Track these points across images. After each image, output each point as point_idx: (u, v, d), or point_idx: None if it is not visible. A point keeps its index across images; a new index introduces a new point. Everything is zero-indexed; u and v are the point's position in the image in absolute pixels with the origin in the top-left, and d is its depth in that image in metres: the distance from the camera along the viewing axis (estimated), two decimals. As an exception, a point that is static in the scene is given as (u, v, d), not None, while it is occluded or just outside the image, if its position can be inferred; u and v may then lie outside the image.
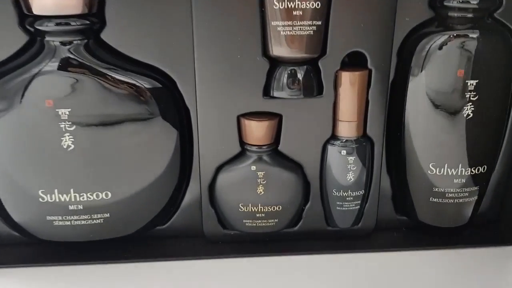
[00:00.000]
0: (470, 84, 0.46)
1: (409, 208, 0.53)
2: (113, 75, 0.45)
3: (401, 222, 0.55)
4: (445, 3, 0.46)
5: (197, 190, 0.51)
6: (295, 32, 0.45)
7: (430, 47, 0.47)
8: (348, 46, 0.47)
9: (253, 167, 0.49)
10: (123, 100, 0.46)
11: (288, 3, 0.44)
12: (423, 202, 0.52)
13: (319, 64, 0.47)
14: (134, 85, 0.46)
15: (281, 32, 0.45)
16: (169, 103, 0.48)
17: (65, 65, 0.44)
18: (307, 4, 0.44)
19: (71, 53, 0.44)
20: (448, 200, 0.51)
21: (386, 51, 0.48)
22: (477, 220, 0.53)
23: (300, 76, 0.47)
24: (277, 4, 0.44)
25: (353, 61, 0.49)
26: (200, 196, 0.51)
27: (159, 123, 0.47)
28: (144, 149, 0.48)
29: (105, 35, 0.45)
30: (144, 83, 0.47)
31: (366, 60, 0.48)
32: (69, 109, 0.44)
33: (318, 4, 0.44)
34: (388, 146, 0.52)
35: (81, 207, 0.48)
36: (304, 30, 0.45)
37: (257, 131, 0.49)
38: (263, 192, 0.50)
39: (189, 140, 0.50)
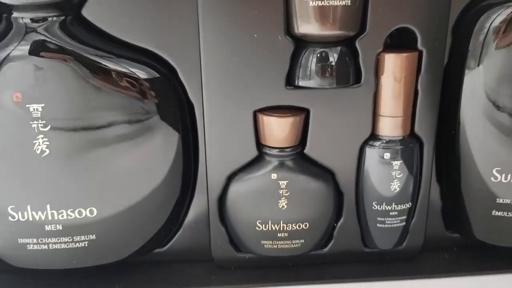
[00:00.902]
0: None
1: (463, 224, 0.45)
2: (98, 62, 0.38)
3: (452, 240, 0.48)
4: None
5: (204, 204, 0.45)
6: (327, 3, 0.36)
7: (492, 23, 0.39)
8: (393, 22, 0.39)
9: (274, 175, 0.41)
10: (111, 93, 0.39)
11: (319, -35, 0.35)
12: (482, 217, 0.44)
13: (357, 44, 0.39)
14: (125, 74, 0.39)
15: (310, 3, 0.36)
16: (168, 97, 0.41)
17: (37, 48, 0.37)
18: (343, -34, 0.35)
19: (45, 33, 0.38)
20: None
21: (441, 28, 0.39)
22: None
23: (332, 59, 0.39)
24: (305, -33, 0.35)
25: (399, 42, 0.41)
26: (207, 212, 0.44)
27: (156, 124, 0.41)
28: (138, 155, 0.41)
29: (87, 12, 0.39)
30: (138, 72, 0.39)
31: (415, 40, 0.39)
32: (42, 105, 0.38)
33: (356, -33, 0.35)
34: (439, 147, 0.44)
35: (60, 227, 0.42)
36: (338, 0, 0.36)
37: (278, 130, 0.40)
38: (286, 206, 0.42)
39: (194, 143, 0.43)
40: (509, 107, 0.39)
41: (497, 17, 0.38)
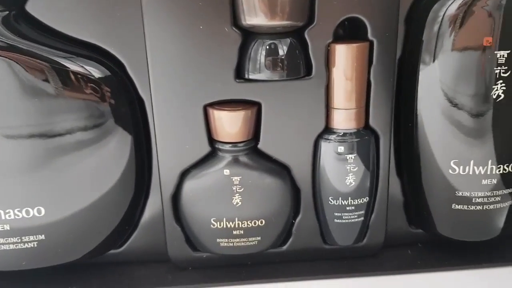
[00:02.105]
0: (500, 56, 0.37)
1: (425, 219, 0.44)
2: (45, 58, 0.37)
3: (416, 236, 0.47)
4: None
5: (159, 203, 0.43)
6: None
7: (446, 10, 0.37)
8: (341, 12, 0.38)
9: (227, 171, 0.40)
10: (60, 92, 0.38)
11: (262, -46, 0.34)
12: (443, 211, 0.43)
13: (306, 35, 0.38)
14: (75, 71, 0.38)
15: (254, -7, 0.35)
16: (120, 96, 0.40)
17: (-22, 45, 0.36)
18: (287, -46, 0.34)
19: (-14, 28, 0.36)
20: (476, 207, 0.41)
21: (391, 17, 0.39)
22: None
23: (281, 51, 0.38)
24: (247, -44, 0.34)
25: (350, 32, 0.40)
26: (162, 211, 0.41)
27: (109, 124, 0.39)
28: (91, 156, 0.40)
29: (31, 7, 0.38)
30: (89, 69, 0.38)
31: (366, 30, 0.38)
32: (-16, 103, 0.37)
33: (300, -45, 0.35)
34: (398, 140, 0.43)
35: (8, 227, 0.40)
36: (284, -10, 0.35)
37: (230, 125, 0.39)
38: (240, 203, 0.41)
39: (147, 140, 0.42)
40: (464, 99, 0.38)
41: (452, 4, 0.37)
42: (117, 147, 0.40)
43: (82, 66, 0.38)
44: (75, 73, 0.38)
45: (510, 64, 0.37)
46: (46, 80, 0.37)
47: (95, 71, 0.38)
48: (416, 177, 0.42)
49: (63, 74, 0.37)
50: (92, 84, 0.38)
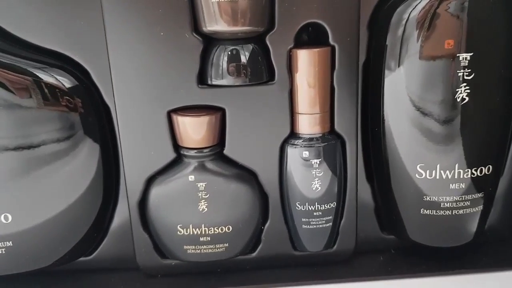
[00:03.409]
0: (463, 58, 0.37)
1: (396, 224, 0.43)
2: (12, 66, 0.37)
3: (388, 242, 0.46)
4: None
5: (126, 210, 0.43)
6: None
7: (409, 15, 0.37)
8: (302, 17, 0.38)
9: (192, 177, 0.40)
10: (28, 102, 0.38)
11: (218, -41, 0.34)
12: (413, 216, 0.42)
13: (267, 41, 0.38)
14: (47, 83, 0.38)
15: (213, -1, 0.35)
16: (88, 104, 0.40)
17: None
18: (244, -39, 0.34)
19: None
20: (444, 212, 0.41)
21: (352, 21, 0.39)
22: (485, 238, 0.45)
23: (243, 57, 0.38)
24: (204, -38, 0.34)
25: (314, 37, 0.40)
26: (129, 218, 0.41)
27: (78, 134, 0.40)
28: (59, 165, 0.40)
29: None
30: (61, 80, 0.39)
31: (327, 35, 0.38)
32: None
33: (257, -39, 0.35)
34: (365, 145, 0.43)
35: None
36: (242, -5, 0.35)
37: (194, 130, 0.39)
38: (206, 209, 0.41)
39: (114, 148, 0.42)
40: (429, 103, 0.38)
41: (414, 8, 0.37)
42: (86, 156, 0.40)
43: (52, 76, 0.38)
44: (46, 84, 0.38)
45: (473, 67, 0.37)
46: (16, 91, 0.37)
47: (65, 81, 0.38)
48: (385, 182, 0.42)
49: (34, 84, 0.37)
50: (62, 94, 0.38)
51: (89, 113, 0.40)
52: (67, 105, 0.38)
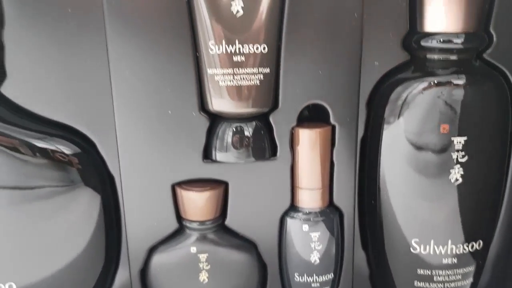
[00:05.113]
0: (457, 142, 0.38)
1: None
2: (21, 139, 0.38)
3: None
4: (422, 43, 0.38)
5: (127, 277, 0.43)
6: (238, 83, 0.37)
7: (405, 98, 0.39)
8: (305, 98, 0.39)
9: (193, 249, 0.41)
10: (34, 168, 0.39)
11: (227, 46, 0.36)
12: (407, 287, 0.42)
13: (271, 119, 0.40)
14: (47, 150, 0.39)
15: (220, 82, 0.36)
16: (89, 172, 0.41)
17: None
18: (251, 47, 0.36)
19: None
20: (437, 285, 0.42)
21: (352, 102, 0.40)
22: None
23: (247, 134, 0.39)
24: (213, 48, 0.36)
25: (314, 113, 0.41)
26: (130, 285, 0.42)
27: (78, 196, 0.40)
28: (58, 226, 0.40)
29: (5, 89, 0.38)
30: (60, 148, 0.39)
31: (328, 114, 0.40)
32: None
33: (264, 48, 0.36)
34: (362, 216, 0.44)
35: None
36: (248, 80, 0.37)
37: (197, 204, 0.40)
38: (207, 280, 0.42)
39: (116, 215, 0.43)
40: (424, 182, 0.39)
41: (411, 92, 0.38)
42: (85, 218, 0.40)
43: (54, 145, 0.39)
44: (47, 151, 0.39)
45: (467, 150, 0.39)
46: (20, 158, 0.38)
47: (67, 149, 0.39)
48: (380, 253, 0.43)
49: (35, 152, 0.38)
50: (63, 162, 0.39)
51: (91, 182, 0.40)
52: (68, 174, 0.39)
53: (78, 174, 0.40)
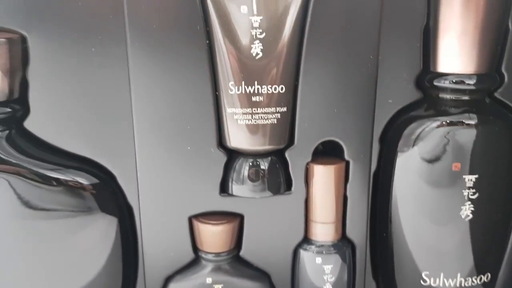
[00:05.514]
0: (469, 179, 0.39)
1: None
2: (42, 173, 0.39)
3: None
4: (435, 83, 0.39)
5: None
6: (256, 121, 0.38)
7: (418, 135, 0.40)
8: (320, 135, 0.40)
9: (209, 280, 0.42)
10: (53, 198, 0.40)
11: (246, 87, 0.37)
12: None
13: (286, 155, 0.40)
14: (67, 181, 0.40)
15: (239, 121, 0.37)
16: (107, 200, 0.41)
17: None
18: (269, 88, 0.37)
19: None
20: None
21: (366, 139, 0.41)
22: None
23: (264, 169, 0.39)
24: (233, 89, 0.37)
25: (329, 148, 0.42)
26: None
27: (96, 224, 0.41)
28: (73, 252, 0.41)
29: (29, 125, 0.40)
30: (80, 180, 0.40)
31: (343, 150, 0.40)
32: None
33: (282, 88, 0.37)
34: (373, 248, 0.45)
35: None
36: (266, 119, 0.38)
37: (213, 237, 0.41)
38: None
39: (134, 245, 0.44)
40: (435, 216, 0.40)
41: (424, 130, 0.39)
42: (104, 249, 0.41)
43: (72, 178, 0.40)
44: (64, 181, 0.40)
45: (478, 188, 0.39)
46: (39, 192, 0.39)
47: (83, 180, 0.40)
48: (391, 284, 0.44)
49: (54, 184, 0.39)
50: (78, 190, 0.40)
51: (110, 212, 0.41)
52: (85, 204, 0.40)
53: (95, 201, 0.41)
